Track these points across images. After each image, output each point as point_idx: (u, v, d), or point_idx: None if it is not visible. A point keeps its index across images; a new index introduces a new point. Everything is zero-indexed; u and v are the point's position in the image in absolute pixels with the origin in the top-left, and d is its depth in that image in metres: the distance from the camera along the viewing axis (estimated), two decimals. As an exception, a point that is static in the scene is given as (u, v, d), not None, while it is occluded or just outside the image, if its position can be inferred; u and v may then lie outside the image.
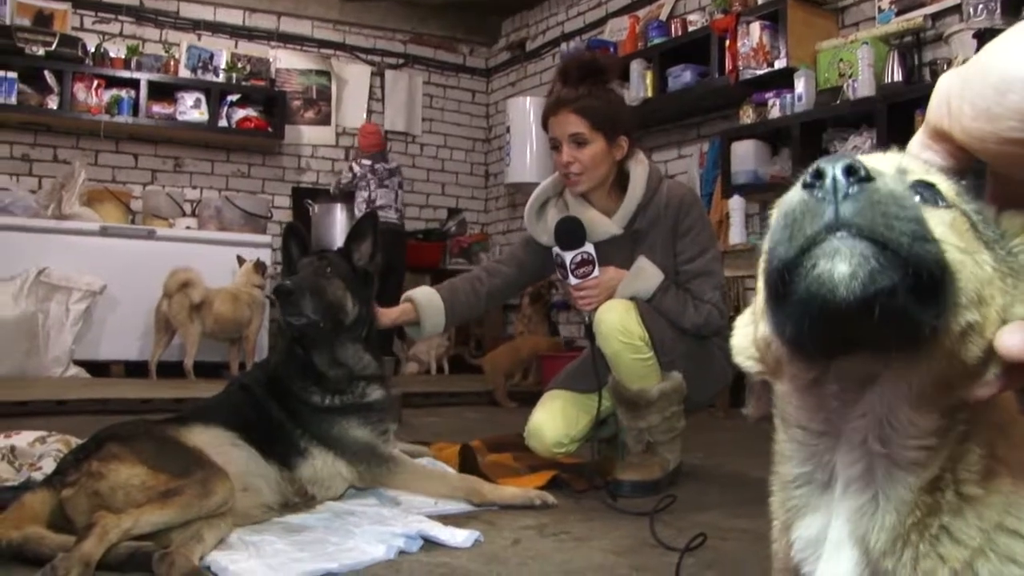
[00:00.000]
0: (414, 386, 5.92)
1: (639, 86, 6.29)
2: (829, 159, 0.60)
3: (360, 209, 7.25)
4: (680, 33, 6.22)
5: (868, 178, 0.59)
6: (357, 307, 2.48)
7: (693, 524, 2.18)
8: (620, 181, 2.81)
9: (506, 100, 8.35)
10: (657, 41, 6.36)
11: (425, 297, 2.82)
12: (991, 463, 0.69)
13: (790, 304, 0.61)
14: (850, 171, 0.59)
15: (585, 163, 2.72)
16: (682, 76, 6.04)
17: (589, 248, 2.67)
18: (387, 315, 2.72)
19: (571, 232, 2.69)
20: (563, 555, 1.95)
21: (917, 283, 0.58)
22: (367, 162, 7.33)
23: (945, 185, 0.67)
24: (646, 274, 2.69)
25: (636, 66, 6.32)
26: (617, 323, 2.59)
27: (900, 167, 0.68)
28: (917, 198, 0.64)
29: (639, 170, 2.79)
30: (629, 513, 2.35)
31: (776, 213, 0.64)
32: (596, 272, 2.69)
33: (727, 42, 5.60)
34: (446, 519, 2.20)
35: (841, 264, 0.57)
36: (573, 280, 2.69)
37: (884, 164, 0.69)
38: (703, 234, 2.79)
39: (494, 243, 8.93)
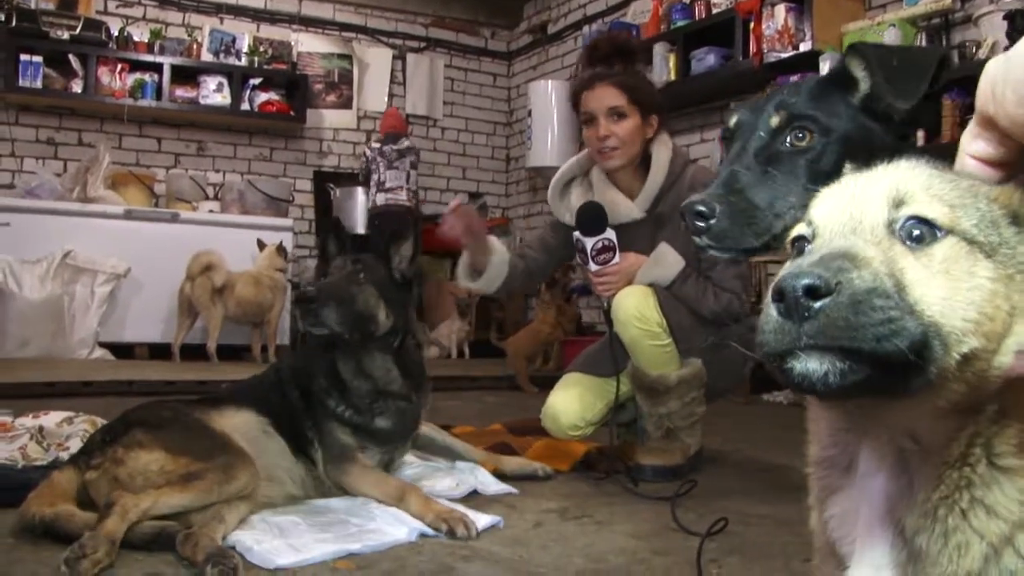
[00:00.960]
0: (435, 370, 5.91)
1: (662, 69, 6.23)
2: (794, 273, 0.63)
3: (372, 192, 7.24)
4: (704, 15, 6.15)
5: (828, 292, 0.61)
6: (391, 317, 2.29)
7: (714, 509, 2.18)
8: (645, 162, 2.80)
9: (528, 84, 8.31)
10: (681, 23, 6.30)
11: (500, 248, 2.83)
12: None
13: (787, 379, 0.65)
14: (810, 291, 0.62)
15: (622, 137, 2.71)
16: (706, 59, 5.98)
17: (610, 234, 2.65)
18: (481, 236, 2.73)
19: (593, 218, 2.67)
20: (585, 539, 1.95)
21: (893, 366, 0.62)
22: (376, 145, 7.33)
23: (941, 210, 0.67)
24: (667, 260, 2.68)
25: (659, 49, 6.26)
26: (634, 309, 2.58)
27: (897, 196, 0.68)
28: (906, 245, 0.66)
29: (662, 152, 2.77)
30: (650, 498, 2.34)
31: (760, 318, 0.67)
32: (616, 259, 2.67)
33: (752, 24, 5.54)
34: (469, 502, 2.21)
35: (813, 368, 0.63)
36: (593, 266, 2.68)
37: (880, 192, 0.69)
38: None
39: (515, 227, 8.92)
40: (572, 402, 2.84)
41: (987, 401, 0.68)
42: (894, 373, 0.62)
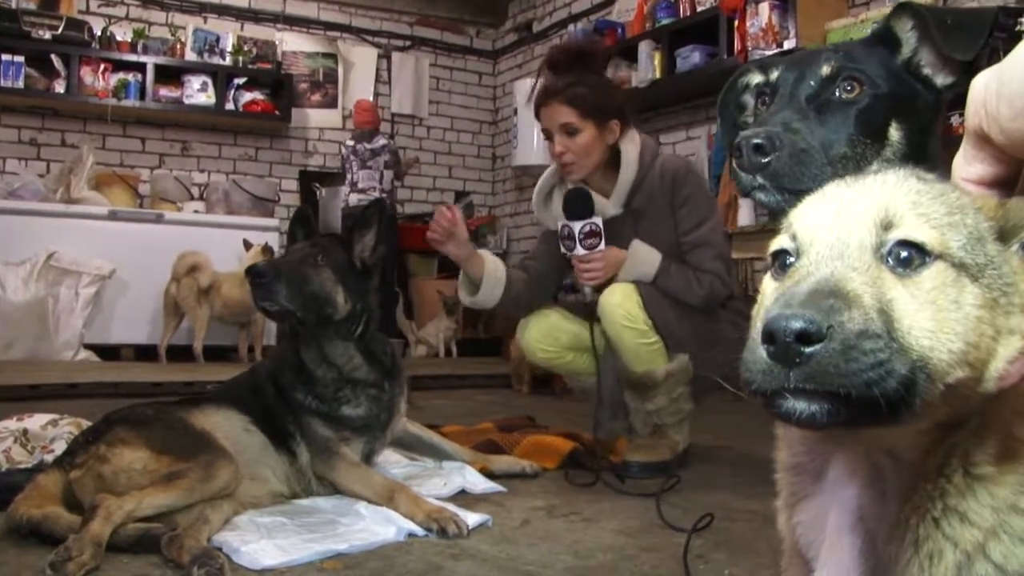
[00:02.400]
0: (423, 369, 5.94)
1: (647, 67, 6.24)
2: (785, 314, 0.61)
3: (346, 192, 7.19)
4: (689, 13, 6.16)
5: (820, 337, 0.60)
6: (350, 302, 2.29)
7: (701, 505, 2.19)
8: (615, 162, 2.81)
9: (513, 82, 8.31)
10: (665, 21, 6.31)
11: (494, 262, 2.83)
12: (1010, 443, 0.68)
13: (773, 414, 0.65)
14: (802, 337, 0.60)
15: (577, 152, 2.73)
16: (691, 57, 5.99)
17: (597, 220, 2.66)
18: (463, 245, 2.71)
19: (580, 201, 2.68)
20: (572, 536, 1.96)
21: (880, 405, 0.61)
22: (350, 143, 7.27)
23: (930, 233, 0.65)
24: (643, 257, 2.69)
25: (644, 47, 6.27)
26: (618, 308, 2.60)
27: (885, 218, 0.67)
28: (894, 271, 0.65)
29: (630, 148, 2.79)
30: (637, 495, 2.35)
31: (744, 354, 0.66)
32: (603, 245, 2.68)
33: (736, 22, 5.55)
34: (456, 501, 2.21)
35: (801, 408, 0.62)
36: (580, 250, 2.68)
37: (868, 212, 0.67)
38: (702, 204, 2.79)
39: (501, 226, 8.92)
40: (540, 322, 2.86)
41: (969, 415, 0.68)
42: (881, 409, 0.61)
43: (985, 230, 0.67)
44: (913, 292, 0.64)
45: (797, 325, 0.60)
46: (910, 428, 0.66)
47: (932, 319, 0.63)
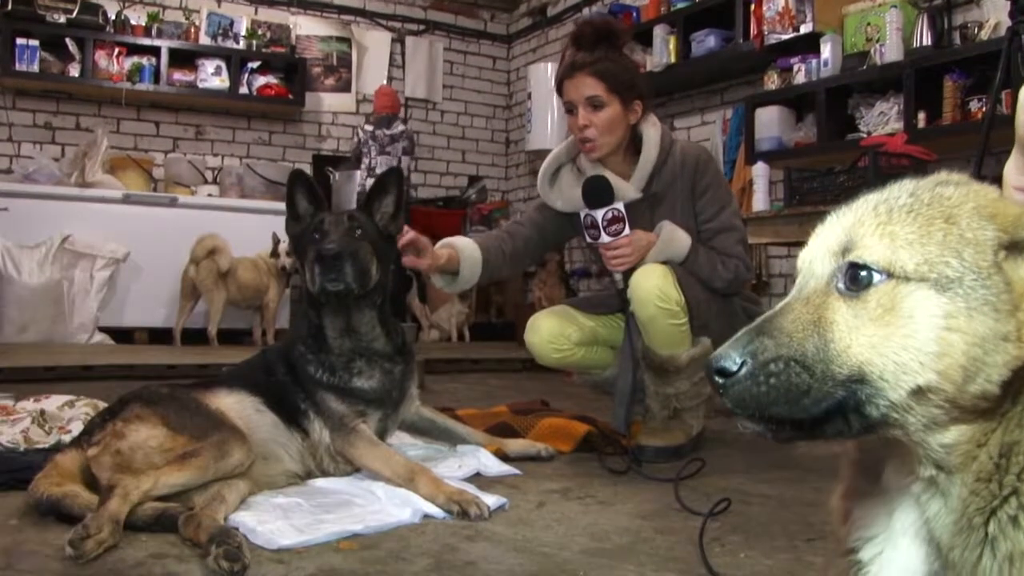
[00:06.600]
0: (436, 353, 5.94)
1: (662, 52, 6.20)
2: (716, 355, 0.71)
3: (363, 177, 7.18)
4: (704, -3, 6.11)
5: (735, 371, 0.69)
6: (379, 272, 2.33)
7: (716, 489, 2.19)
8: (635, 145, 2.79)
9: (527, 67, 8.27)
10: (681, 5, 6.25)
11: (467, 247, 2.76)
12: None
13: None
14: (720, 372, 0.70)
15: (601, 127, 2.69)
16: (706, 41, 5.95)
17: (619, 205, 2.62)
18: (437, 256, 2.61)
19: (599, 189, 2.64)
20: (588, 518, 1.96)
21: (823, 417, 0.67)
22: (369, 127, 7.24)
23: (881, 253, 0.67)
24: (677, 237, 2.67)
25: (659, 31, 6.22)
26: (655, 288, 2.56)
27: (846, 242, 0.70)
28: (842, 294, 0.70)
29: (652, 132, 2.76)
30: (653, 478, 2.35)
31: None
32: (627, 230, 2.63)
33: (752, 6, 5.50)
34: (472, 483, 2.21)
35: (748, 427, 0.71)
36: (606, 238, 2.63)
37: (832, 238, 0.71)
38: (721, 191, 2.79)
39: (515, 210, 8.89)
40: (550, 318, 2.84)
41: (1001, 412, 0.66)
42: (828, 421, 0.67)
43: (980, 239, 0.66)
44: (857, 311, 0.67)
45: (717, 364, 0.70)
46: (918, 434, 0.67)
47: (875, 334, 0.66)
